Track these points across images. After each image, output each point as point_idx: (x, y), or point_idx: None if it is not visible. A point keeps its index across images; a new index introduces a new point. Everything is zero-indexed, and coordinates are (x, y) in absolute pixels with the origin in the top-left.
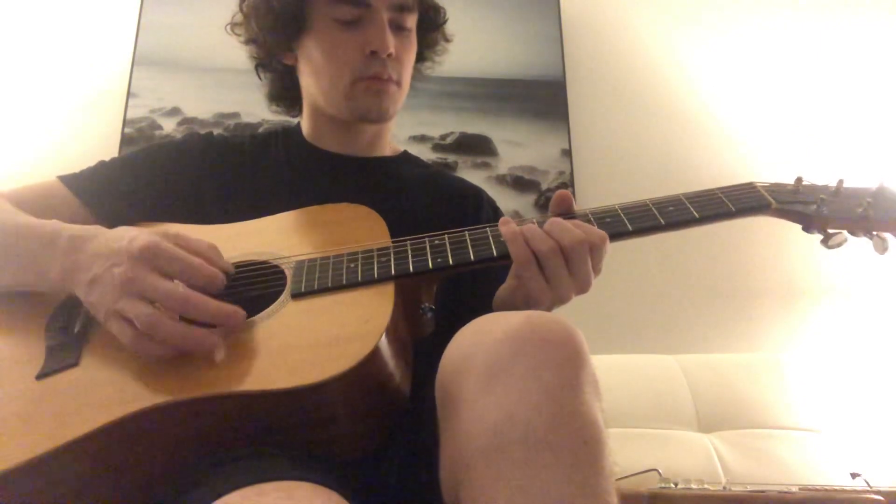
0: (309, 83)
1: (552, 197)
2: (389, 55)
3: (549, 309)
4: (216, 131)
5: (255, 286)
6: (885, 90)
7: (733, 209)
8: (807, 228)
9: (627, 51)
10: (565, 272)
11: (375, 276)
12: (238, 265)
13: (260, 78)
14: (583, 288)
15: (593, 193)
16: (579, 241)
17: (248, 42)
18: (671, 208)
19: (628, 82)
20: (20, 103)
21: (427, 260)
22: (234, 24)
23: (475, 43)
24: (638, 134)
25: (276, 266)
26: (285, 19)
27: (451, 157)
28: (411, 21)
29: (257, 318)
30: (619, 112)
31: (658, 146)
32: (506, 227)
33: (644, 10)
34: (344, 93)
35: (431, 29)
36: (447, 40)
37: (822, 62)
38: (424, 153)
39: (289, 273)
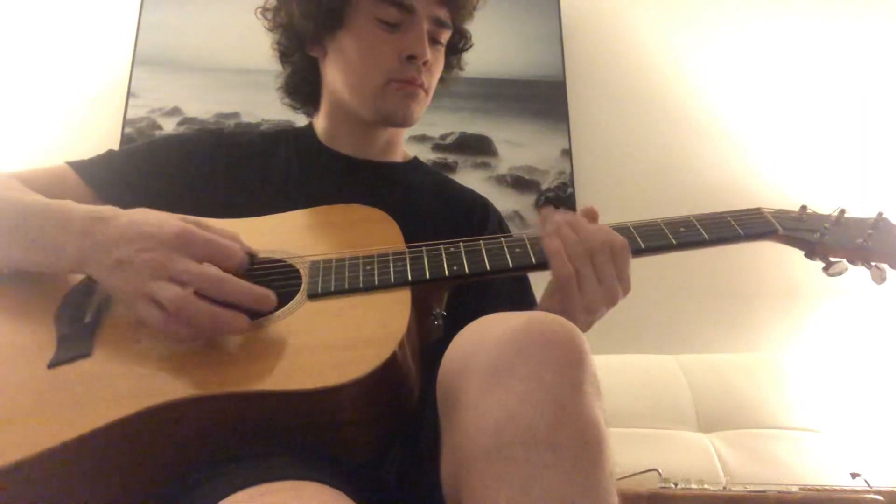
0: (336, 78)
1: (582, 209)
2: (425, 63)
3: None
4: (226, 129)
5: (269, 284)
6: (887, 89)
7: (742, 233)
8: (809, 255)
9: (627, 51)
10: (595, 278)
11: (392, 280)
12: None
13: (282, 66)
14: (611, 298)
15: (593, 193)
16: (601, 242)
17: (276, 28)
18: (682, 229)
19: (628, 82)
20: (20, 103)
21: (443, 267)
22: (264, 9)
23: (475, 43)
24: (638, 134)
25: (290, 265)
26: (326, 9)
27: (451, 157)
28: (445, 37)
29: (274, 316)
30: (619, 112)
31: (658, 146)
32: (551, 240)
33: (644, 10)
34: (374, 92)
35: (454, 52)
36: (461, 68)
37: (823, 62)
38: (424, 153)
39: (304, 273)
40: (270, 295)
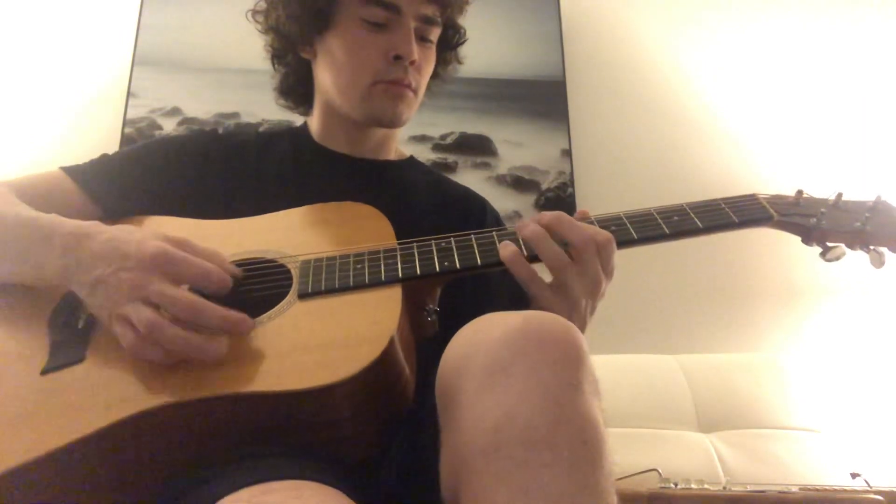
0: (326, 79)
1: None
2: (412, 63)
3: (580, 322)
4: (220, 129)
5: (260, 285)
6: (887, 88)
7: (736, 220)
8: (806, 241)
9: (627, 51)
10: (575, 272)
11: (382, 278)
12: (244, 262)
13: (275, 69)
14: (592, 290)
15: (593, 193)
16: (586, 239)
17: (267, 31)
18: (675, 218)
19: (628, 82)
20: (20, 103)
21: (434, 263)
22: (255, 12)
23: (475, 43)
24: (638, 134)
25: (281, 265)
26: (313, 11)
27: (451, 157)
28: (434, 34)
29: (264, 317)
30: (619, 112)
31: (658, 146)
32: (527, 231)
33: (644, 11)
34: (361, 93)
35: (448, 48)
36: (459, 62)
37: (823, 62)
38: (424, 153)
39: (295, 272)
40: (246, 320)
